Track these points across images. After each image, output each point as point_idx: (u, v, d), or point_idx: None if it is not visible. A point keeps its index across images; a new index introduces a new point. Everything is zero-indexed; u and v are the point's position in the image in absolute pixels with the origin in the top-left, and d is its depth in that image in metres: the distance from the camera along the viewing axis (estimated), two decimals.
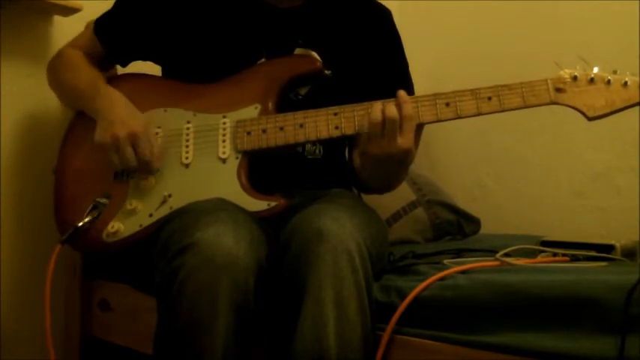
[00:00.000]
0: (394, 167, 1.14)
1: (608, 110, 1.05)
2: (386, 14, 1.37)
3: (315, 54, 1.24)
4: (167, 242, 0.99)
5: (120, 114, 1.17)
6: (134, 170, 1.16)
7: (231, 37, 1.27)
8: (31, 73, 1.48)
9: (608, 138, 1.88)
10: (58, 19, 1.53)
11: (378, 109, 1.08)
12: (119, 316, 1.38)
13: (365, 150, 1.11)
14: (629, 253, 1.19)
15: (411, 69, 1.36)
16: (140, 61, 1.37)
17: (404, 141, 1.07)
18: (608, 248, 1.17)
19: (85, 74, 1.27)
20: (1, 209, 1.44)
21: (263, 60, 1.25)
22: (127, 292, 1.32)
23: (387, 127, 1.07)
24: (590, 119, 1.06)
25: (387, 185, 1.28)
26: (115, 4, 1.33)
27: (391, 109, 1.07)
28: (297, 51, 1.26)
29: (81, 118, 1.29)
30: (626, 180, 1.86)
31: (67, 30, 1.46)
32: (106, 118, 1.17)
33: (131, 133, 1.14)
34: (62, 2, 1.46)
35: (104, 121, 1.17)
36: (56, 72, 1.34)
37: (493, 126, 1.98)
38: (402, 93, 1.10)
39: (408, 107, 1.08)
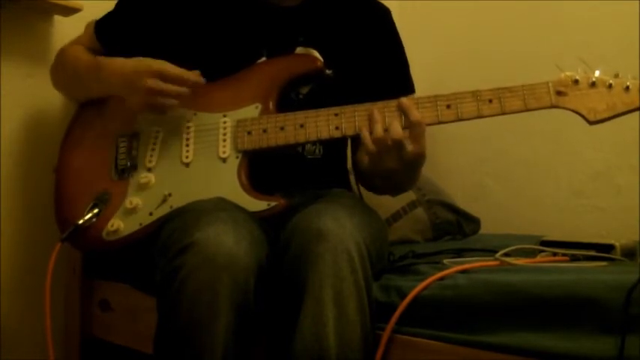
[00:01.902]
0: (407, 173, 1.12)
1: (609, 114, 1.04)
2: (386, 13, 1.37)
3: (316, 53, 1.24)
4: (167, 241, 0.99)
5: (129, 71, 1.16)
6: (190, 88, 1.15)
7: (232, 35, 1.27)
8: (31, 73, 1.49)
9: (608, 137, 1.88)
10: (58, 19, 1.53)
11: (379, 128, 1.05)
12: (119, 316, 1.38)
13: (375, 167, 1.08)
14: (629, 253, 1.19)
15: (410, 69, 1.36)
16: None
17: (415, 148, 1.05)
18: (608, 248, 1.17)
19: (86, 58, 1.28)
20: (1, 209, 1.44)
21: (264, 59, 1.25)
22: (127, 292, 1.32)
23: (394, 145, 1.04)
24: (591, 123, 1.06)
25: (402, 189, 1.25)
26: (117, 5, 1.33)
27: (395, 127, 1.04)
28: (298, 50, 1.26)
29: (81, 117, 1.29)
30: (626, 179, 1.86)
31: (67, 30, 1.46)
32: (122, 85, 1.17)
33: (154, 73, 1.13)
34: (62, 2, 1.46)
35: (123, 88, 1.17)
36: (59, 69, 1.34)
37: (493, 126, 1.97)
38: (403, 100, 1.08)
39: (416, 113, 1.06)
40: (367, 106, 1.11)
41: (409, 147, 1.04)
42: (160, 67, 1.14)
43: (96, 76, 1.23)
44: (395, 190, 1.25)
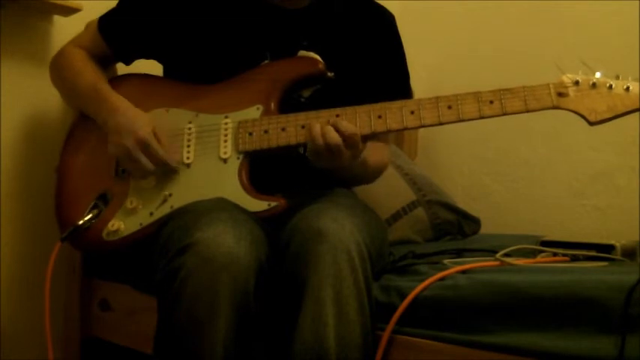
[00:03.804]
0: (347, 173, 1.18)
1: (610, 115, 1.05)
2: (390, 20, 1.37)
3: (318, 57, 1.24)
4: (167, 242, 0.99)
5: (124, 121, 1.16)
6: (154, 173, 1.16)
7: (235, 37, 1.27)
8: (31, 73, 1.49)
9: (609, 138, 1.88)
10: (58, 19, 1.53)
11: (317, 132, 1.08)
12: (119, 316, 1.38)
13: (315, 164, 1.13)
14: (629, 253, 1.19)
15: (411, 69, 1.36)
16: (142, 60, 1.37)
17: (351, 154, 1.09)
18: (608, 248, 1.17)
19: (87, 76, 1.27)
20: (1, 209, 1.44)
21: (267, 61, 1.25)
22: (127, 292, 1.32)
23: (333, 150, 1.07)
24: (591, 124, 1.06)
25: (350, 184, 1.31)
26: (119, 2, 1.33)
27: (330, 134, 1.07)
28: (301, 53, 1.26)
29: (83, 118, 1.29)
30: (626, 180, 1.86)
31: (67, 30, 1.46)
32: (111, 128, 1.17)
33: (139, 140, 1.13)
34: (62, 2, 1.46)
35: (111, 132, 1.17)
36: (59, 71, 1.33)
37: (493, 126, 1.98)
38: (337, 120, 1.09)
39: (346, 124, 1.08)
40: (368, 107, 1.11)
41: (345, 154, 1.08)
42: (145, 138, 1.13)
43: (94, 103, 1.23)
44: (347, 185, 1.30)
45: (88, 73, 1.27)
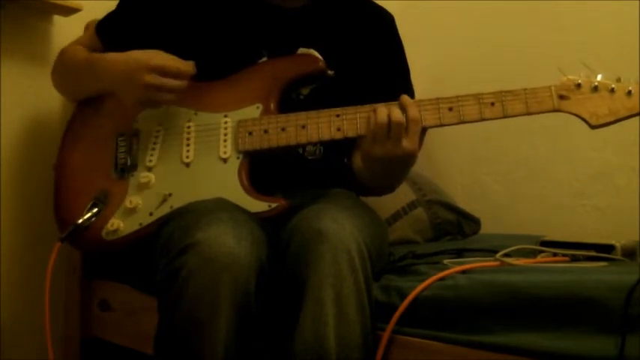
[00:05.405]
0: (397, 169, 1.15)
1: (611, 119, 1.05)
2: (390, 20, 1.37)
3: (317, 53, 1.24)
4: (168, 242, 0.99)
5: (126, 68, 1.15)
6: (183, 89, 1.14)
7: (233, 35, 1.27)
8: (31, 73, 1.49)
9: (609, 138, 1.88)
10: (58, 19, 1.53)
11: (383, 111, 1.08)
12: (119, 316, 1.38)
13: (369, 151, 1.10)
14: (629, 253, 1.19)
15: (411, 69, 1.36)
16: None
17: (409, 144, 1.07)
18: (608, 248, 1.17)
19: (80, 55, 1.28)
20: (1, 209, 1.44)
21: (265, 59, 1.25)
22: (127, 292, 1.32)
23: (393, 130, 1.07)
24: (593, 127, 1.06)
25: (388, 187, 1.28)
26: (118, 5, 1.33)
27: (397, 112, 1.07)
28: (301, 50, 1.26)
29: (80, 115, 1.29)
30: (626, 180, 1.86)
31: (67, 30, 1.47)
32: (119, 80, 1.16)
33: (151, 69, 1.12)
34: (62, 2, 1.46)
35: (120, 83, 1.16)
36: (57, 69, 1.34)
37: (493, 126, 1.97)
38: (405, 97, 1.10)
39: (414, 110, 1.08)
40: (369, 107, 1.11)
41: (404, 142, 1.07)
42: (160, 62, 1.13)
43: (89, 73, 1.23)
44: (383, 187, 1.27)
45: (81, 54, 1.28)
